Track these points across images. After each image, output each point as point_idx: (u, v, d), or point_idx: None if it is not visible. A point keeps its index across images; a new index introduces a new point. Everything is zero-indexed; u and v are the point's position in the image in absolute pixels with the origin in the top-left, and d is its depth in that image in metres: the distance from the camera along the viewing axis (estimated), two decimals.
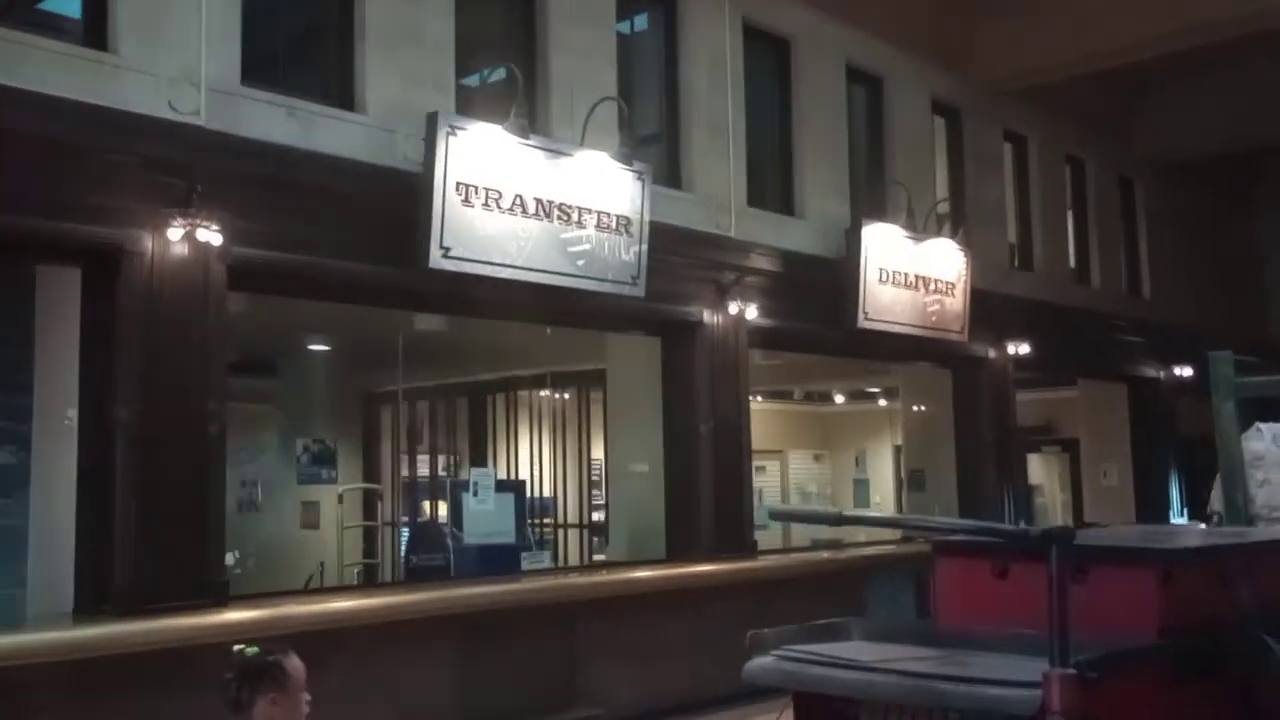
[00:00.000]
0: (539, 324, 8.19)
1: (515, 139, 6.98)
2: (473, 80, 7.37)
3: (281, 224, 6.15)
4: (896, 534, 10.60)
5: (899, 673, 2.08)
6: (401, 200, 6.61)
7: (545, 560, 7.66)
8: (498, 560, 7.41)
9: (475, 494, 7.41)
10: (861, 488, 13.09)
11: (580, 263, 7.41)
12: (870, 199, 10.94)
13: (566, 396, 11.98)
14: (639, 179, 7.80)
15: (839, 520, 2.30)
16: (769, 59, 10.20)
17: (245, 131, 6.05)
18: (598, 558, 10.06)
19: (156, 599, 5.35)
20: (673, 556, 8.63)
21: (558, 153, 7.37)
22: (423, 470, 12.28)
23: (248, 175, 6.01)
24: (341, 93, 6.74)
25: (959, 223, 11.55)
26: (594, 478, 11.33)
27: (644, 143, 9.23)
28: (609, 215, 7.61)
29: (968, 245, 11.27)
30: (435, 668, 6.47)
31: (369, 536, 11.36)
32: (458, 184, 6.66)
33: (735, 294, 9.01)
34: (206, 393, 5.77)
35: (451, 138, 6.63)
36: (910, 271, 10.49)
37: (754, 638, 2.46)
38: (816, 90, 10.39)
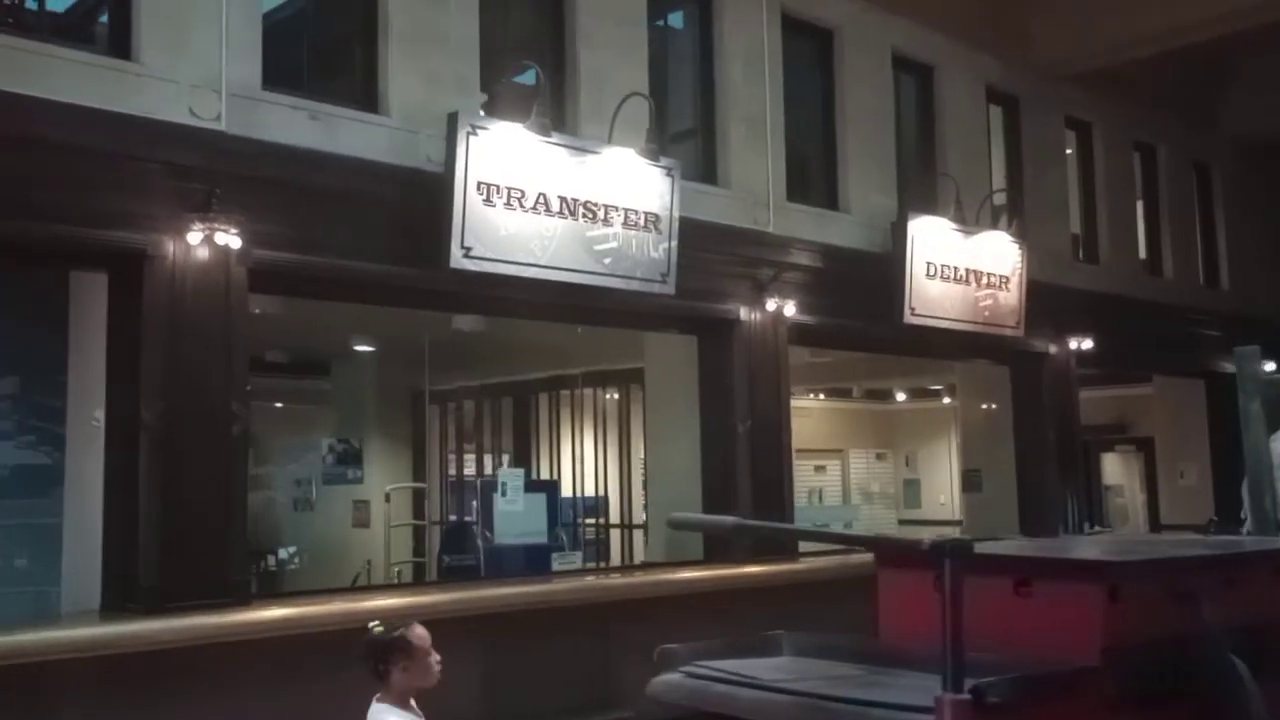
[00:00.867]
0: (566, 323, 8.14)
1: (538, 138, 6.92)
2: (499, 80, 7.32)
3: (303, 226, 6.20)
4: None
5: (795, 693, 1.96)
6: (423, 201, 6.62)
7: (577, 561, 7.60)
8: (528, 561, 7.38)
9: (504, 494, 7.38)
10: (912, 488, 12.78)
11: (607, 261, 7.34)
12: (919, 192, 10.66)
13: (615, 396, 11.94)
14: (668, 175, 7.70)
15: (737, 529, 2.19)
16: (810, 50, 10.00)
17: (266, 135, 6.11)
18: (639, 558, 9.99)
19: (180, 598, 5.43)
20: (711, 557, 8.49)
21: (583, 150, 7.31)
22: (471, 469, 12.34)
23: (268, 179, 6.07)
24: (364, 95, 6.78)
25: (1015, 214, 11.19)
26: (642, 477, 11.26)
27: (679, 139, 9.14)
28: (636, 212, 7.52)
29: (1023, 237, 10.91)
30: (463, 668, 6.39)
31: (419, 535, 11.47)
32: (479, 184, 6.64)
33: (774, 290, 8.85)
34: (229, 393, 5.84)
35: (472, 137, 6.61)
36: (961, 265, 10.19)
37: (663, 653, 2.37)
38: (861, 81, 10.16)
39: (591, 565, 7.83)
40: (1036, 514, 11.46)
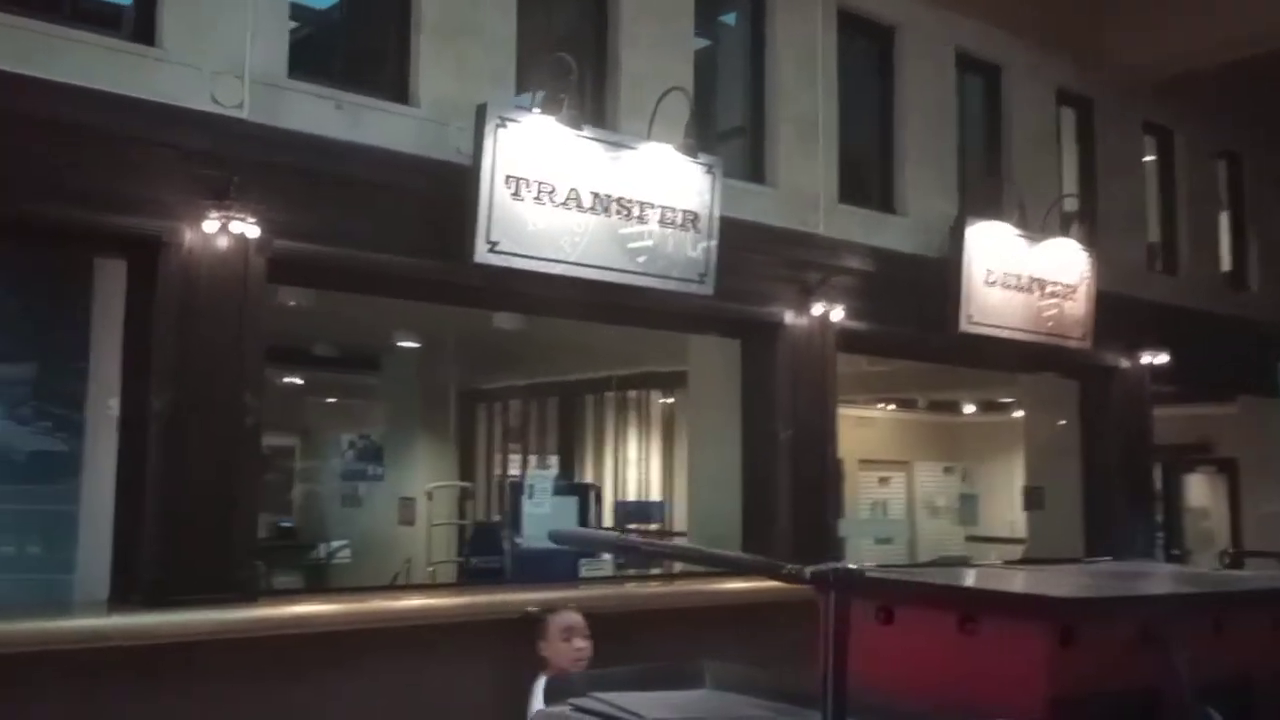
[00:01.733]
0: (598, 322, 7.94)
1: (571, 132, 6.74)
2: (546, 75, 7.15)
3: (325, 217, 6.11)
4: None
5: None
6: (451, 194, 6.48)
7: (607, 568, 7.39)
8: (555, 565, 7.18)
9: (531, 496, 7.20)
10: (969, 503, 12.30)
11: (641, 259, 7.12)
12: (981, 196, 10.23)
13: (664, 399, 11.72)
14: (708, 172, 7.45)
15: (618, 544, 1.96)
16: (867, 48, 9.67)
17: (289, 124, 6.03)
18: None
19: (182, 591, 5.35)
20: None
21: (619, 145, 7.11)
22: (516, 470, 12.21)
23: (291, 168, 5.99)
24: (394, 85, 6.67)
25: (1084, 221, 10.68)
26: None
27: (726, 137, 8.89)
28: (674, 210, 7.29)
29: (1093, 245, 10.40)
30: (473, 674, 6.27)
31: (462, 535, 11.37)
32: (507, 177, 6.48)
33: (822, 294, 8.53)
34: (243, 385, 5.76)
35: (501, 130, 6.46)
36: (1023, 273, 9.74)
37: (551, 683, 2.15)
38: (922, 80, 9.78)
39: (626, 573, 7.56)
40: (1102, 536, 10.93)
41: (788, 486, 8.26)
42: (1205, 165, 12.75)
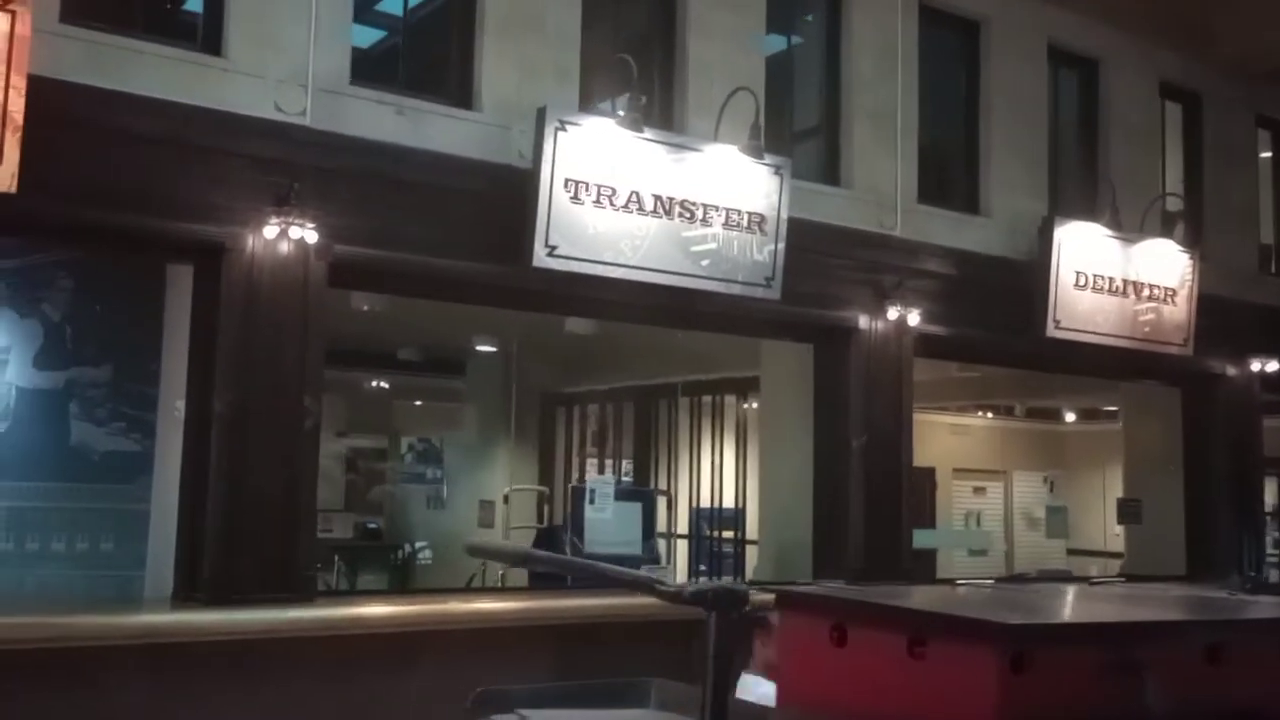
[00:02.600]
0: (662, 326, 7.85)
1: (632, 134, 6.68)
2: (601, 76, 7.12)
3: (386, 221, 6.18)
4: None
5: None
6: (512, 198, 6.49)
7: (668, 575, 7.29)
8: None
9: (593, 501, 7.16)
10: (1057, 515, 11.79)
11: (705, 263, 7.02)
12: (1075, 195, 9.82)
13: (746, 404, 11.56)
14: (775, 174, 7.30)
15: (524, 558, 1.87)
16: (951, 42, 9.36)
17: (351, 130, 6.11)
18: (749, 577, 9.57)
19: (241, 590, 5.46)
20: (819, 579, 8.02)
21: (682, 147, 7.02)
22: (594, 474, 12.20)
23: (352, 173, 6.08)
24: (456, 89, 6.71)
25: (1188, 221, 10.14)
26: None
27: (800, 137, 8.72)
28: (739, 212, 7.16)
29: (1195, 246, 9.87)
30: (530, 679, 6.24)
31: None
32: (566, 180, 6.46)
33: (898, 298, 8.28)
34: (303, 387, 5.86)
35: (561, 133, 6.44)
36: (1117, 276, 9.29)
37: (482, 696, 2.07)
38: (1011, 75, 9.42)
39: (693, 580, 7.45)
40: (1205, 553, 10.36)
41: (860, 495, 8.04)
42: None
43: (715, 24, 7.69)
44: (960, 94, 9.38)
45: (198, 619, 5.25)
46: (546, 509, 11.39)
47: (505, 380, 12.08)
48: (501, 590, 7.75)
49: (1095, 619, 1.81)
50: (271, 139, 5.85)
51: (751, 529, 11.27)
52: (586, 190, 6.53)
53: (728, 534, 10.88)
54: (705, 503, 11.25)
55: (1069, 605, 1.99)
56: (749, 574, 10.71)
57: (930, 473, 15.87)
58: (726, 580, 1.65)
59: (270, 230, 5.69)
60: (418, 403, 13.69)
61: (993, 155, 9.31)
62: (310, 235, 5.75)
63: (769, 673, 3.30)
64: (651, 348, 10.16)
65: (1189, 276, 9.74)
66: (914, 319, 8.29)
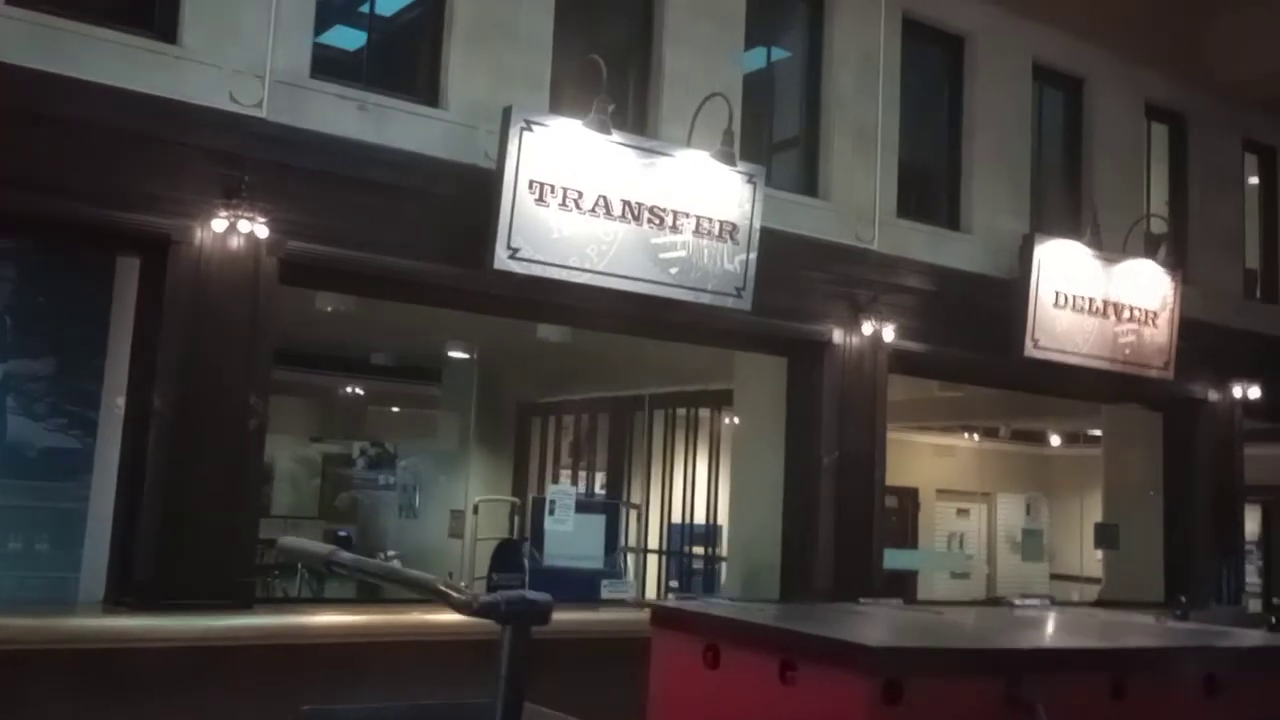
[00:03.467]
0: (629, 335, 7.69)
1: (601, 136, 6.53)
2: (571, 77, 6.97)
3: (344, 219, 6.02)
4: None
5: None
6: (478, 200, 6.33)
7: (629, 590, 7.11)
8: (575, 585, 6.94)
9: (552, 513, 6.98)
10: (1032, 539, 11.63)
11: (674, 270, 6.86)
12: (1057, 214, 9.69)
13: (727, 419, 11.38)
14: (749, 181, 7.16)
15: (328, 561, 1.73)
16: (934, 57, 9.25)
17: (310, 125, 5.96)
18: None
19: (174, 596, 5.26)
20: (786, 599, 7.84)
21: (653, 152, 6.87)
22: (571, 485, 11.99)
23: (310, 169, 5.92)
24: (423, 87, 6.56)
25: (1172, 243, 10.02)
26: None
27: (779, 148, 8.58)
28: (710, 220, 7.01)
29: (1177, 268, 9.74)
30: (468, 694, 6.04)
31: None
32: (531, 181, 6.30)
33: (873, 313, 8.14)
34: (249, 386, 5.68)
35: (526, 133, 6.28)
36: (1097, 296, 9.16)
37: (303, 716, 1.90)
38: (994, 92, 9.31)
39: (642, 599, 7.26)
40: (1183, 579, 10.20)
41: (830, 514, 7.86)
42: None
43: (693, 34, 7.56)
44: (943, 109, 9.27)
45: (127, 624, 5.06)
46: (518, 520, 11.19)
47: (481, 388, 11.90)
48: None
49: (987, 645, 1.64)
50: (225, 131, 5.68)
51: (726, 545, 11.10)
52: (552, 192, 6.37)
53: (701, 551, 10.70)
54: (678, 518, 11.06)
55: (967, 629, 1.82)
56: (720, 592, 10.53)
57: (913, 493, 15.72)
58: (523, 592, 1.50)
59: (219, 224, 5.52)
60: (395, 409, 13.50)
61: (975, 171, 9.18)
62: (261, 230, 5.58)
63: None
64: (627, 358, 10.00)
65: (1171, 299, 9.61)
66: (889, 334, 8.15)
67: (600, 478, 12.22)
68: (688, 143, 7.09)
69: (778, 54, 8.80)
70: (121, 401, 5.65)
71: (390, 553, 12.51)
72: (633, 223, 6.69)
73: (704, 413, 10.95)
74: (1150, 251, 9.72)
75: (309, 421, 13.79)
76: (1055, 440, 16.39)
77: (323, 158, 5.96)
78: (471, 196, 6.36)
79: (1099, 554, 13.18)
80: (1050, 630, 2.09)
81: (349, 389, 13.19)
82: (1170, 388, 9.90)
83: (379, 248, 6.11)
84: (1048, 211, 9.64)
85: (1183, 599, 8.71)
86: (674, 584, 11.25)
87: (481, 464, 12.33)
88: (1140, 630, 2.09)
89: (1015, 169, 9.41)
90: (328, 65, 6.21)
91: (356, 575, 1.64)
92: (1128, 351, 9.32)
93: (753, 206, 7.17)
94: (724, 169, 7.04)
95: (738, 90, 7.63)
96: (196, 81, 5.68)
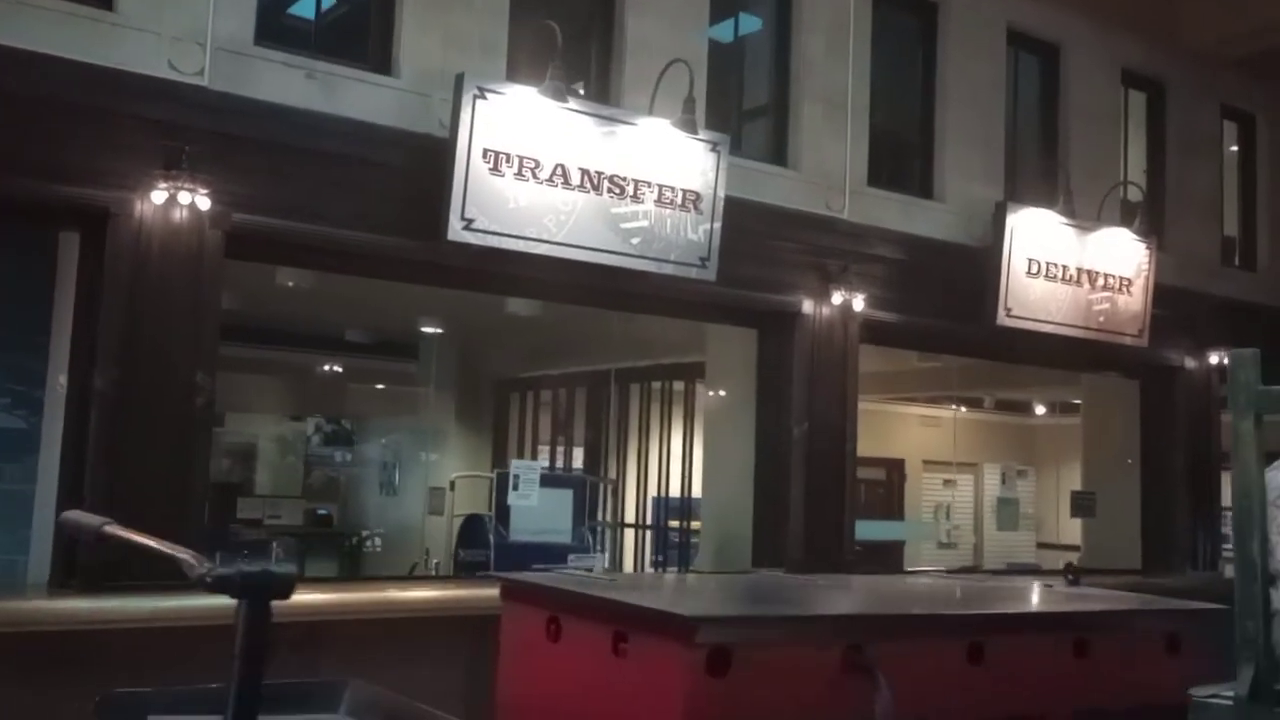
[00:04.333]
0: (592, 307, 7.57)
1: (557, 104, 6.40)
2: (528, 43, 6.82)
3: (292, 190, 5.89)
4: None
5: None
6: (432, 170, 6.20)
7: (597, 563, 7.04)
8: (540, 559, 6.85)
9: (516, 488, 6.90)
10: (1007, 508, 11.59)
11: (635, 241, 6.74)
12: (1032, 182, 9.57)
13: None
14: (713, 150, 7.03)
15: (99, 534, 1.65)
16: (907, 23, 9.10)
17: (255, 93, 5.81)
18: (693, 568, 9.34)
19: (118, 577, 5.15)
20: (761, 563, 7.78)
21: (613, 120, 6.74)
22: (549, 460, 11.93)
23: (256, 139, 5.78)
24: (373, 55, 6.41)
25: (1149, 211, 9.91)
26: None
27: (747, 116, 8.46)
28: (673, 189, 6.89)
29: (1152, 236, 9.64)
30: (433, 671, 5.97)
31: None
32: (485, 150, 6.17)
33: (844, 283, 8.03)
34: (194, 363, 5.56)
35: (480, 100, 6.15)
36: (1070, 264, 9.06)
37: (107, 699, 1.84)
38: (968, 59, 9.17)
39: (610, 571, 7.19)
40: (1161, 546, 10.19)
41: (800, 485, 7.79)
42: None
43: (657, 1, 7.41)
44: (916, 76, 9.13)
45: (69, 606, 4.97)
46: (494, 496, 11.12)
47: (457, 364, 11.80)
48: (420, 579, 7.48)
49: (822, 611, 1.56)
50: (165, 100, 5.54)
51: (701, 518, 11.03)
52: (507, 161, 6.25)
53: (680, 524, 10.64)
54: (657, 491, 10.99)
55: (814, 596, 1.74)
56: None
57: (900, 464, 15.69)
58: (264, 563, 1.42)
59: (159, 195, 5.39)
60: (380, 386, 13.39)
61: (947, 139, 9.06)
62: (203, 202, 5.45)
63: None
64: (601, 332, 9.88)
65: (1145, 266, 9.52)
66: (860, 304, 8.05)
67: (579, 453, 12.13)
68: (650, 111, 6.96)
69: (748, 21, 8.65)
70: (63, 380, 5.53)
71: (369, 531, 12.47)
72: (592, 192, 6.57)
73: (679, 386, 10.84)
74: (1126, 220, 9.62)
75: (287, 400, 13.67)
76: (1040, 410, 16.36)
77: (269, 128, 5.83)
78: (425, 167, 6.23)
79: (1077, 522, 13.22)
80: (905, 596, 2.01)
81: (328, 367, 13.06)
82: (1145, 355, 9.83)
83: (329, 220, 5.98)
84: (1022, 179, 9.52)
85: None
86: (659, 558, 11.20)
87: (461, 441, 12.24)
88: (1008, 596, 2.01)
89: (989, 137, 9.28)
90: (273, 32, 6.07)
91: (137, 548, 1.55)
92: (1102, 319, 9.24)
93: (716, 175, 7.05)
94: (686, 137, 6.91)
95: (703, 57, 7.50)
96: (134, 49, 5.53)
